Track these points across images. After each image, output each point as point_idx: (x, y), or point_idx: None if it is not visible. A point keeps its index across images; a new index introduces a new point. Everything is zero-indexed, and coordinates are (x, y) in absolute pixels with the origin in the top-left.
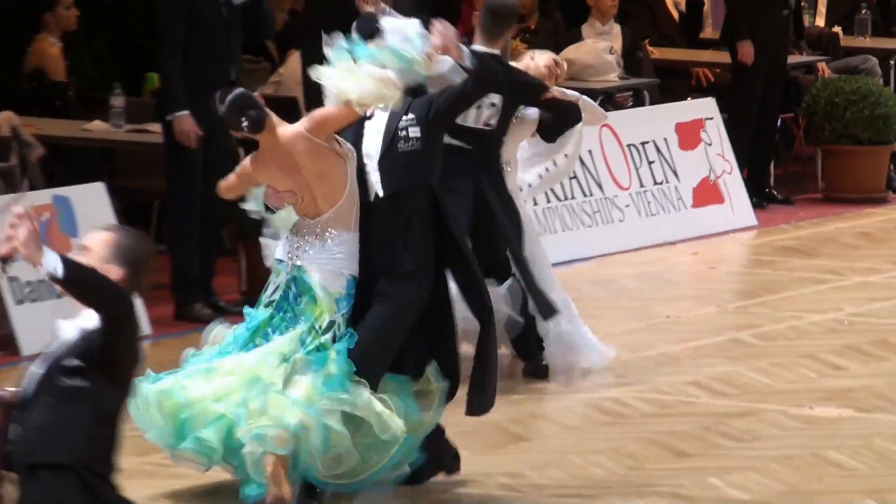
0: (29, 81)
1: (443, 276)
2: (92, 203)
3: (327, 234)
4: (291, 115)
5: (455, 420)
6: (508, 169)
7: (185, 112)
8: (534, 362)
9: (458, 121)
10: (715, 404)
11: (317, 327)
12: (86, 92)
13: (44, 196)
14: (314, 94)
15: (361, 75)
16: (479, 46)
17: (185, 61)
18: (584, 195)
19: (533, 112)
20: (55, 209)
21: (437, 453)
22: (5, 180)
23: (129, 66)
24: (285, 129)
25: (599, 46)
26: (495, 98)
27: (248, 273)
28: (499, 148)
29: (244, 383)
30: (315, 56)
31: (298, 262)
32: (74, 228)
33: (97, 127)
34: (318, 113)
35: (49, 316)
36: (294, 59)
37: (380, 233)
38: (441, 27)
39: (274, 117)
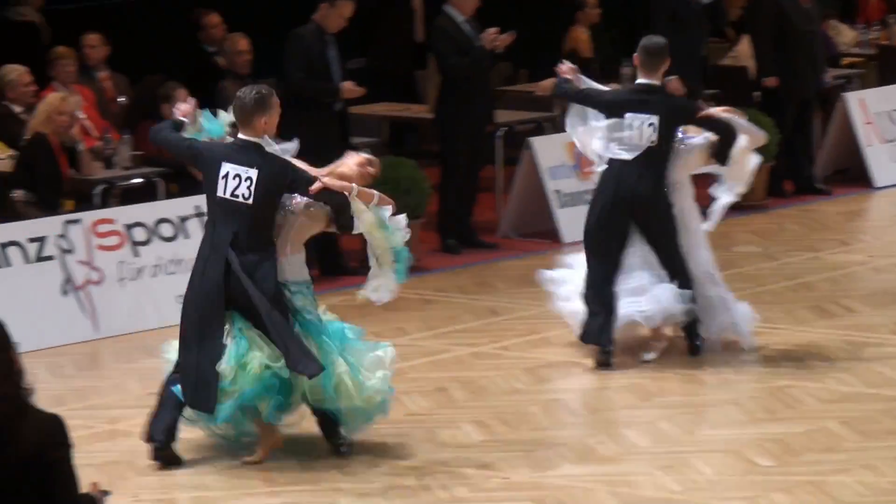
0: (566, 58)
1: None
2: None
3: None
4: (742, 83)
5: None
6: (676, 187)
7: (674, 77)
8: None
9: (626, 139)
10: None
11: None
12: (605, 64)
13: None
14: None
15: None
16: (642, 80)
17: (672, 41)
18: None
19: (699, 140)
20: None
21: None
22: (552, 125)
23: (632, 45)
24: None
25: None
26: (654, 119)
27: None
28: (662, 163)
29: None
30: None
31: None
32: None
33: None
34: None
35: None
36: (745, 41)
37: None
38: None
39: None
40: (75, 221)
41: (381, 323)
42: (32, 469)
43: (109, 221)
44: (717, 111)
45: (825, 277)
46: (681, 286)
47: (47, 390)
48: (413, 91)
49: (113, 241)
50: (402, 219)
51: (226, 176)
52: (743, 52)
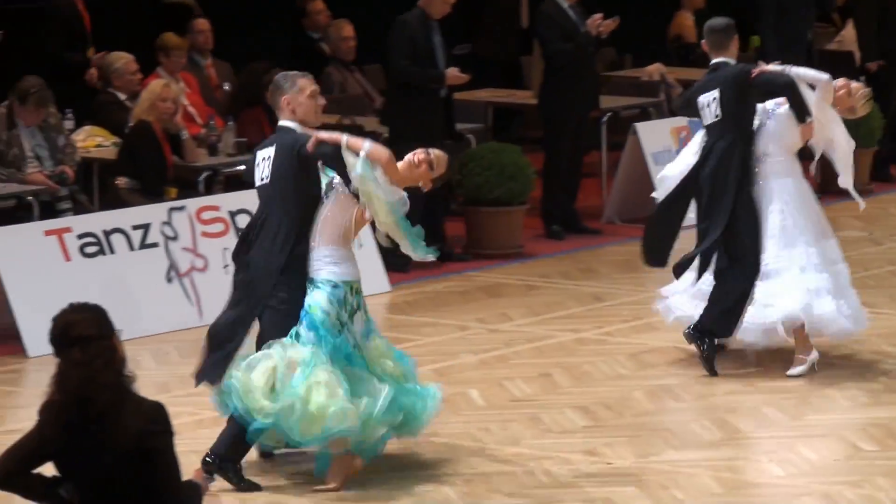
0: (671, 43)
1: None
2: None
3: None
4: (847, 68)
5: None
6: (767, 159)
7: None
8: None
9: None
10: None
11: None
12: None
13: (681, 120)
14: None
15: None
16: (712, 60)
17: (778, 26)
18: None
19: (781, 111)
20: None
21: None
22: (657, 110)
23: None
24: None
25: None
26: (716, 93)
27: None
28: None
29: None
30: None
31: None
32: None
33: None
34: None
35: None
36: (851, 26)
37: None
38: None
39: None
40: (179, 209)
41: (485, 309)
42: (134, 456)
43: (214, 208)
44: (771, 66)
45: None
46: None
47: (152, 377)
48: (518, 77)
49: (217, 227)
50: (400, 191)
51: (259, 163)
52: (848, 37)
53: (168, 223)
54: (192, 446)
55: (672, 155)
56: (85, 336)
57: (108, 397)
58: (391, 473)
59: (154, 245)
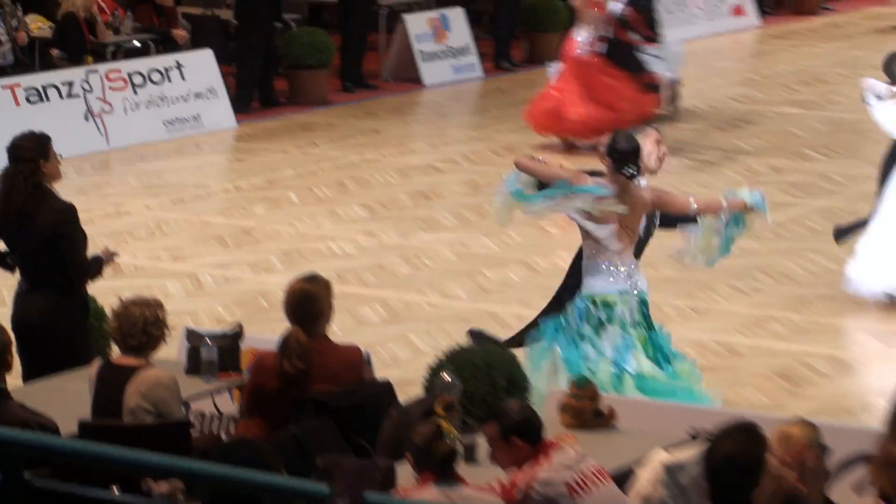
0: None
1: None
2: None
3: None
4: None
5: None
6: None
7: None
8: None
9: None
10: None
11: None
12: None
13: (434, 13)
14: None
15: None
16: None
17: None
18: None
19: None
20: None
21: None
22: (419, 5)
23: None
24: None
25: None
26: None
27: None
28: None
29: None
30: None
31: (640, 289)
32: None
33: None
34: (666, 196)
35: None
36: None
37: None
38: None
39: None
40: (94, 71)
41: (300, 138)
42: (50, 240)
43: (117, 71)
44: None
45: None
46: None
47: (73, 184)
48: None
49: (119, 84)
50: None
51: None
52: None
53: (86, 81)
54: (101, 231)
55: (429, 37)
56: (19, 157)
57: (24, 200)
58: None
59: (77, 96)
